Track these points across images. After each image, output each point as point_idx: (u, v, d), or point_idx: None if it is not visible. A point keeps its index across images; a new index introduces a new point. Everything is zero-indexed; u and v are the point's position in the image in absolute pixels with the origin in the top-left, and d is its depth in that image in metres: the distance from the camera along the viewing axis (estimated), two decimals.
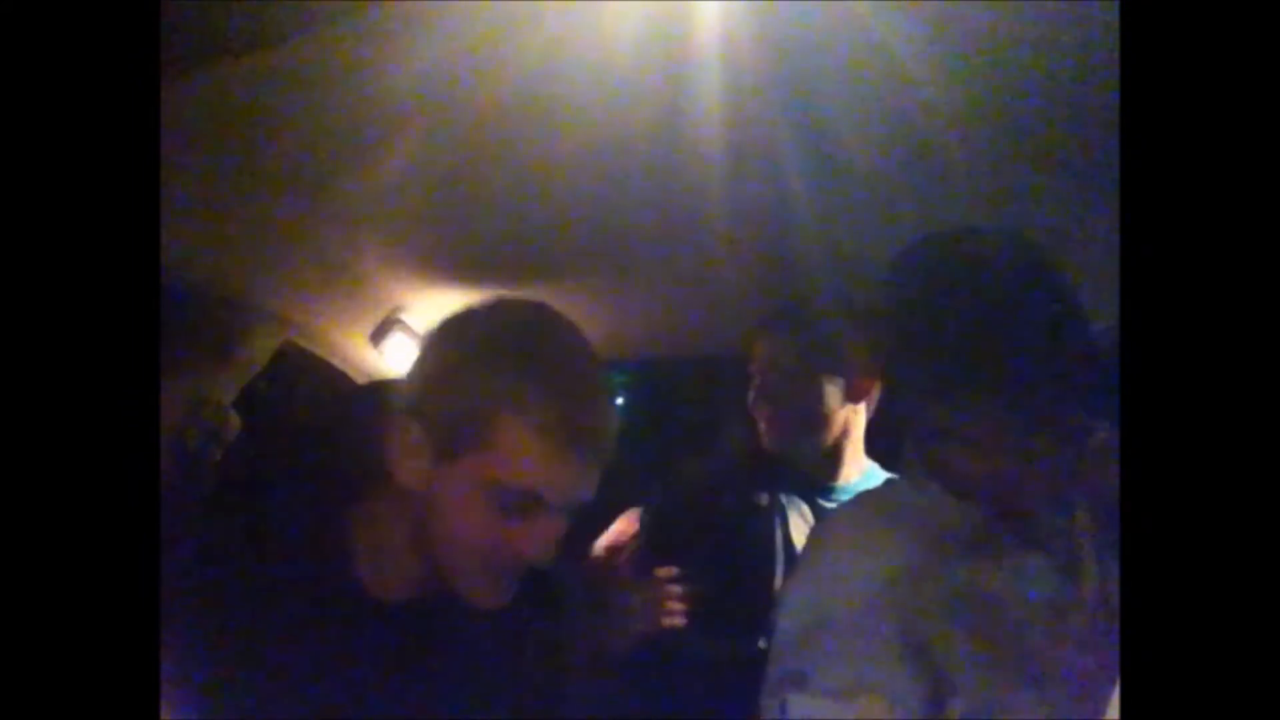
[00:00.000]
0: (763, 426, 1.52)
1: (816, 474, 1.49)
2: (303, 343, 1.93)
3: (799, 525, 1.44)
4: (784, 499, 1.47)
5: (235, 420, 1.87)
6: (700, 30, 0.95)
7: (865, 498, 1.01)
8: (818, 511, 1.47)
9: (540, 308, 0.92)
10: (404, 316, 1.91)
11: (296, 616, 0.84)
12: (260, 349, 1.85)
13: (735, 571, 1.38)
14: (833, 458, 1.49)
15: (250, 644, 0.81)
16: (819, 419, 1.48)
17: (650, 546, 1.42)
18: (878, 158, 1.25)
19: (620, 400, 2.34)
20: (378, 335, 1.94)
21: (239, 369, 1.83)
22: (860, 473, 1.51)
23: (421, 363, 0.88)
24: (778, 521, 1.44)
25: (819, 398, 1.48)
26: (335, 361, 2.04)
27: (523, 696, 0.89)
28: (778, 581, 1.38)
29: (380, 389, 1.88)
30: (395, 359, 1.95)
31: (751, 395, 1.54)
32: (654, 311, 1.99)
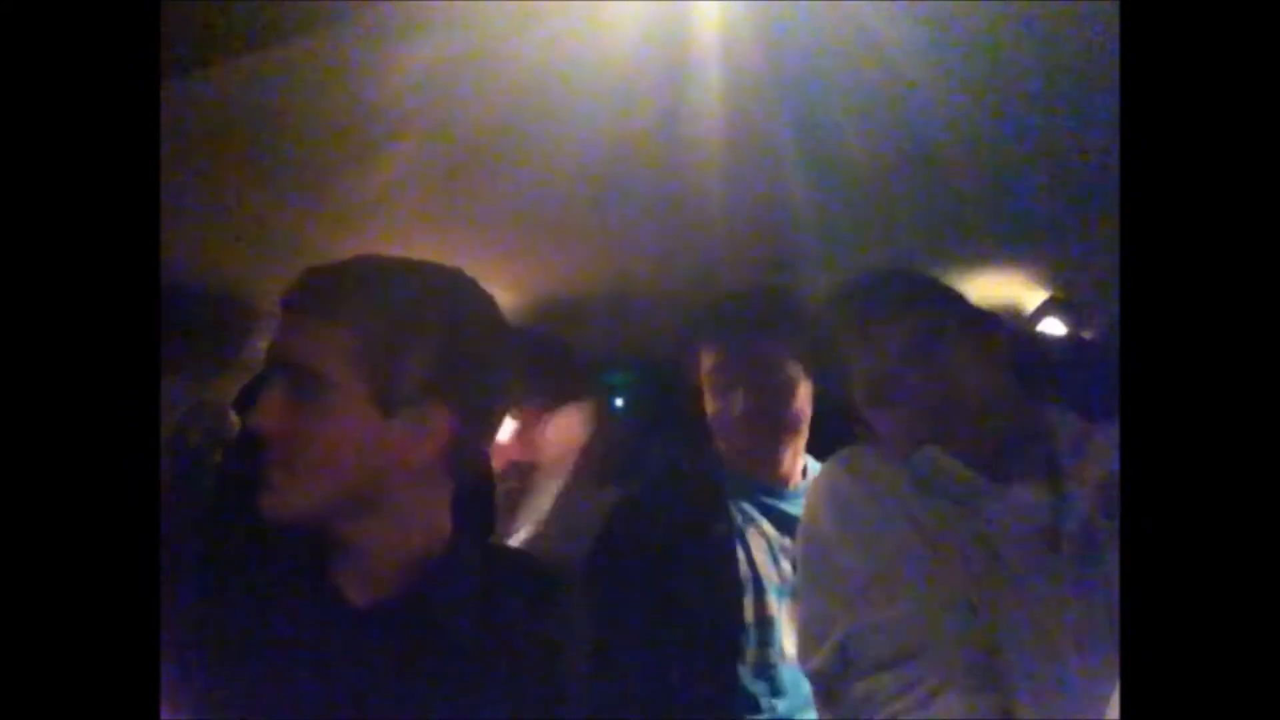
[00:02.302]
0: (734, 436, 1.48)
1: (769, 480, 1.43)
2: None
3: (759, 543, 1.41)
4: (740, 518, 1.43)
5: (235, 420, 1.87)
6: (700, 30, 0.95)
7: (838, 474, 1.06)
8: (776, 519, 1.41)
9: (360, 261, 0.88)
10: None
11: (296, 616, 0.84)
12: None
13: (705, 607, 1.36)
14: (788, 461, 1.44)
15: (250, 645, 0.81)
16: (800, 423, 1.45)
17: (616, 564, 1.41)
18: (878, 158, 1.25)
19: (620, 401, 2.34)
20: None
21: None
22: (802, 472, 1.45)
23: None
24: (739, 545, 1.41)
25: (801, 402, 1.44)
26: None
27: (523, 696, 0.89)
28: (748, 612, 1.35)
29: None
30: None
31: (732, 404, 1.49)
32: (654, 311, 1.99)
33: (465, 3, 0.91)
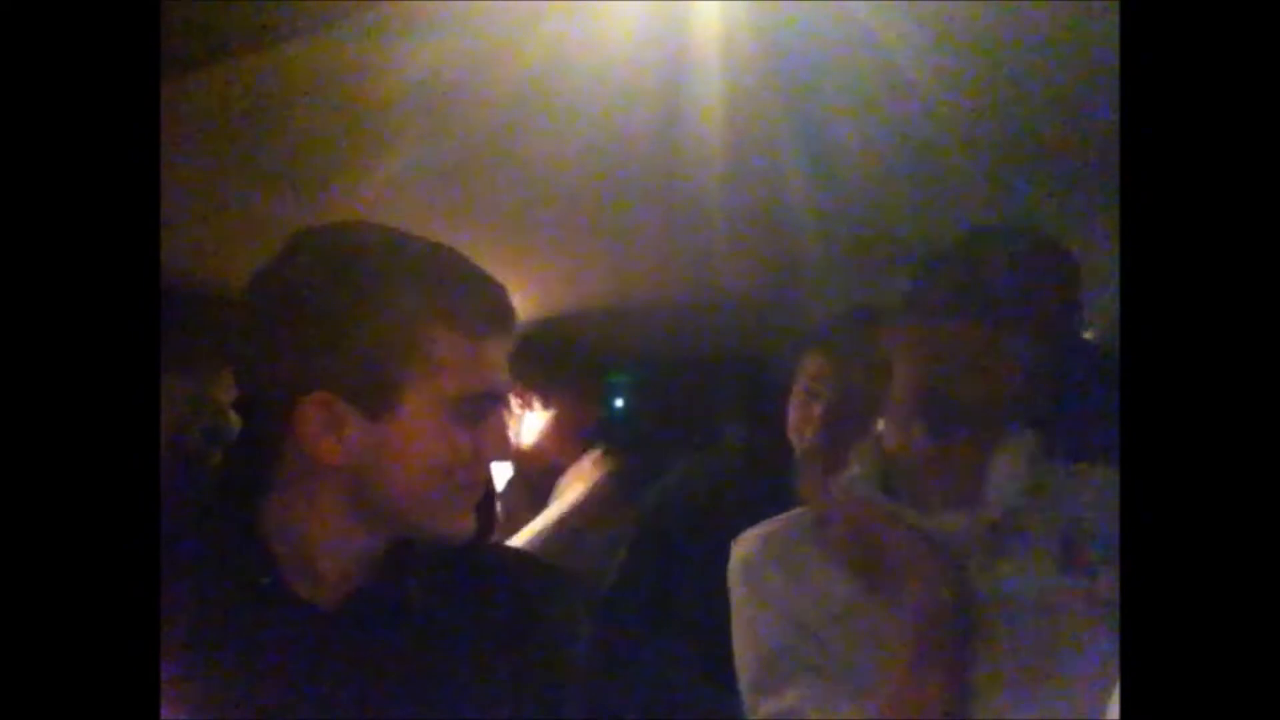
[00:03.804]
0: (811, 444, 1.47)
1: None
2: None
3: None
4: None
5: (235, 420, 1.87)
6: (700, 30, 0.95)
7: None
8: None
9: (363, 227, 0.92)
10: None
11: (295, 616, 0.84)
12: None
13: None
14: None
15: (250, 645, 0.81)
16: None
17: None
18: (878, 158, 1.25)
19: (620, 401, 2.34)
20: None
21: None
22: None
23: (301, 330, 0.84)
24: None
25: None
26: None
27: (523, 696, 0.89)
28: None
29: None
30: None
31: (815, 411, 1.47)
32: (654, 311, 1.99)
33: (465, 3, 0.91)
